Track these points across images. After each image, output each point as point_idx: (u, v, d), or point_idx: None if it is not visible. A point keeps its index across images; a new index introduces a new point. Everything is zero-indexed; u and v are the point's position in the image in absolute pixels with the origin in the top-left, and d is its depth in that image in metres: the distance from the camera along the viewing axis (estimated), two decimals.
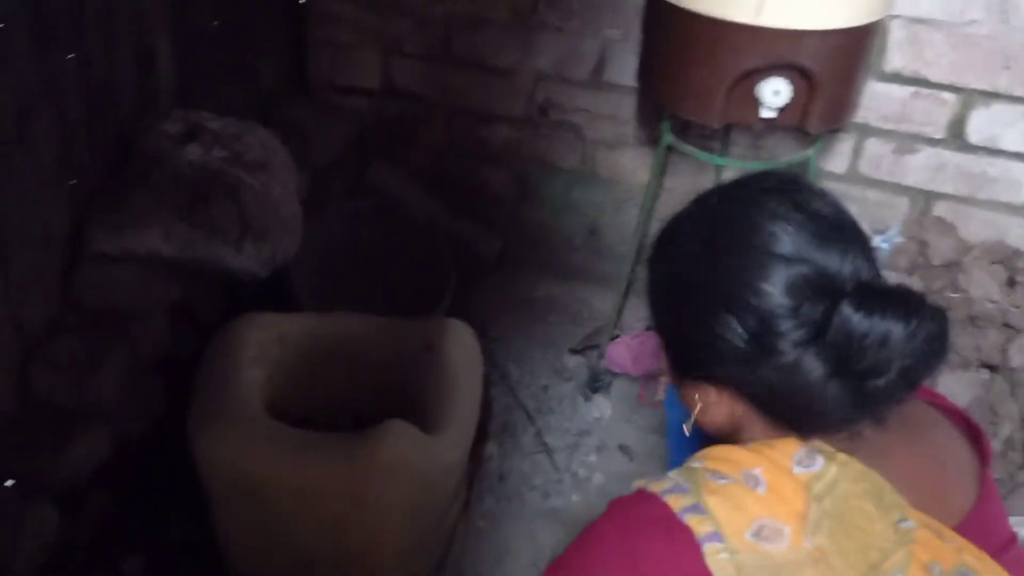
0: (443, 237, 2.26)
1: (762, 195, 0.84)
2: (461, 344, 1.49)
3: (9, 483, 1.52)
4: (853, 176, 2.18)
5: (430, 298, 2.12)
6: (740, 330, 0.79)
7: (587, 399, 2.02)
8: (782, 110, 1.65)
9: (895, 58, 2.02)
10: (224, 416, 1.31)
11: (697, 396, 0.89)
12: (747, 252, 0.80)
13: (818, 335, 0.76)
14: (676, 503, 0.78)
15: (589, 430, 1.95)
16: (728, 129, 2.07)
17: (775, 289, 0.78)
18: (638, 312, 2.21)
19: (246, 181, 1.79)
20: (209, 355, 1.42)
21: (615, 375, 2.06)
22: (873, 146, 2.14)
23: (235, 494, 1.34)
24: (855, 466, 0.79)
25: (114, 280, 1.66)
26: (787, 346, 0.78)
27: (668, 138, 1.87)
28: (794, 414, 0.81)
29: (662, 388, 1.98)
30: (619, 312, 2.16)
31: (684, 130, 2.03)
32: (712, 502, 0.76)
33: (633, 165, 2.31)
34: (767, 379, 0.80)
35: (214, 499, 1.38)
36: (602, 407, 2.01)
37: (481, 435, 1.81)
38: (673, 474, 0.83)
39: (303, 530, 1.33)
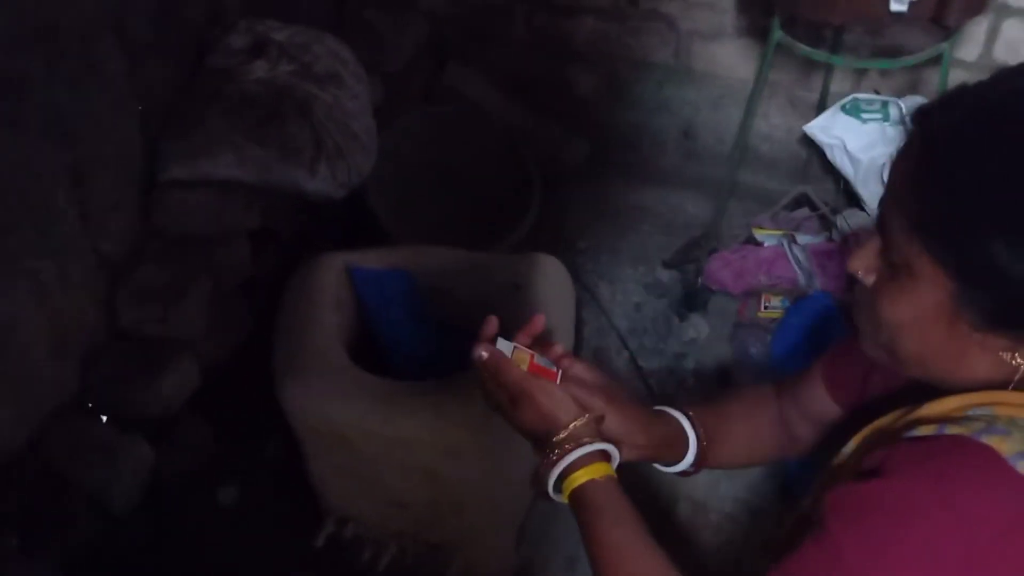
0: (526, 142, 2.15)
1: None
2: (552, 283, 1.40)
3: (104, 419, 1.54)
4: (986, 64, 1.96)
5: (514, 209, 2.03)
6: None
7: (683, 319, 1.91)
8: (915, 2, 1.44)
9: None
10: (309, 366, 1.26)
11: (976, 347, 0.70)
12: None
13: None
14: (1002, 446, 0.64)
15: (685, 352, 1.85)
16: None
17: None
18: (738, 220, 2.08)
19: (317, 95, 1.72)
20: (288, 298, 1.37)
21: (712, 292, 1.94)
22: (1012, 28, 1.90)
23: (323, 441, 1.32)
24: None
25: (192, 207, 1.63)
26: None
27: (778, 34, 1.68)
28: None
29: (763, 305, 1.85)
30: (717, 221, 2.03)
31: (790, 22, 1.82)
32: None
33: (731, 59, 2.13)
34: None
35: (303, 442, 1.36)
36: (699, 327, 1.89)
37: None
38: (969, 414, 0.69)
39: (394, 476, 1.30)
